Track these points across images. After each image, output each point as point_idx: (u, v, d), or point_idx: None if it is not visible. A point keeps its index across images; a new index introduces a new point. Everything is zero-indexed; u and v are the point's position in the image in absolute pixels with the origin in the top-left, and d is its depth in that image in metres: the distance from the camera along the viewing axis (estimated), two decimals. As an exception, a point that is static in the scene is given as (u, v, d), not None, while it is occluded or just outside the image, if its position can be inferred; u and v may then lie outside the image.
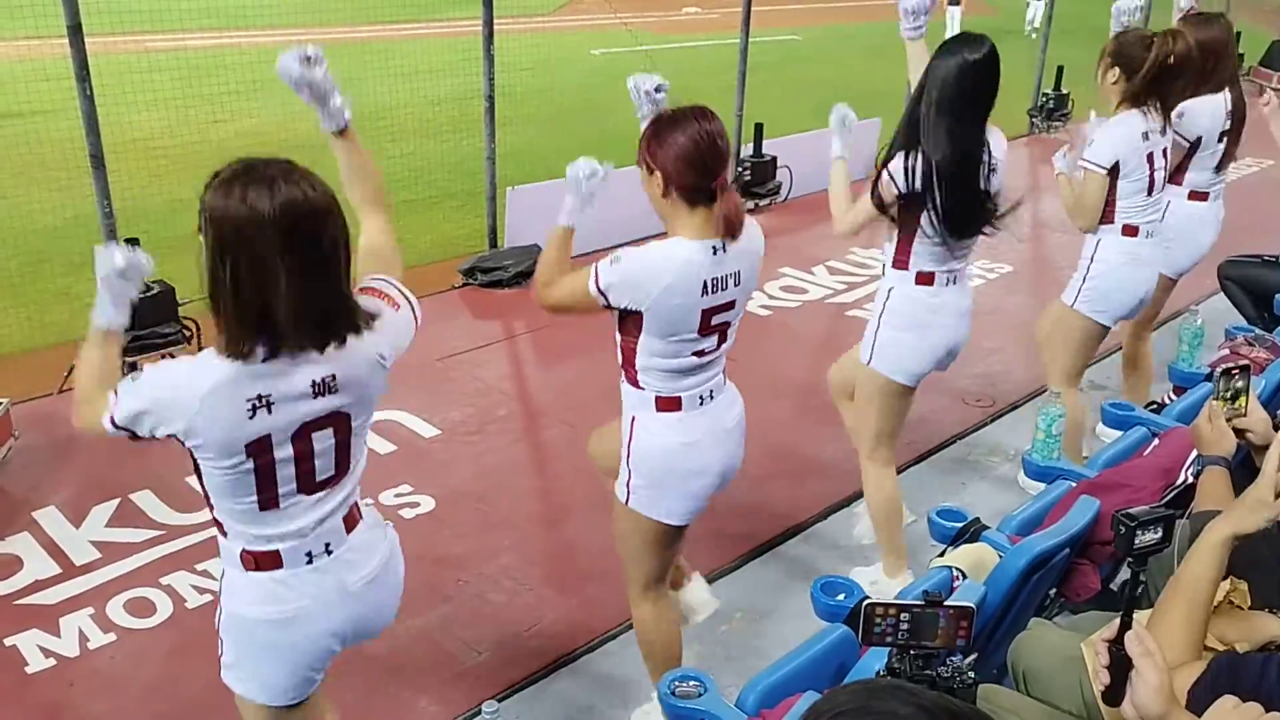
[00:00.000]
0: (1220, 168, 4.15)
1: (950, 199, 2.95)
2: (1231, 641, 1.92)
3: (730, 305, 2.44)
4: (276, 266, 1.75)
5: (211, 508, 1.96)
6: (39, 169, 6.44)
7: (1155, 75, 3.48)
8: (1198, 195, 4.18)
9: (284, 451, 1.88)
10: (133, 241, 2.20)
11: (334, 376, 1.89)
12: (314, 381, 1.86)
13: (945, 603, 1.77)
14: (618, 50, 8.48)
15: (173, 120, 6.98)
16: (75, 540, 3.70)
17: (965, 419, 4.71)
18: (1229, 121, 4.06)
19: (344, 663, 2.78)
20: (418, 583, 3.43)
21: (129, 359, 4.78)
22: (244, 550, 1.96)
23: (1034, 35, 10.21)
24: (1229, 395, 2.46)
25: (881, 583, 3.41)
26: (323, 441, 1.93)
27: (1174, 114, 3.76)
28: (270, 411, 1.83)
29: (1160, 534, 1.66)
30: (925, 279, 3.15)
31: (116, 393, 1.85)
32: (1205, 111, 3.97)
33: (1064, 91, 9.94)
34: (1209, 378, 3.16)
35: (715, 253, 2.37)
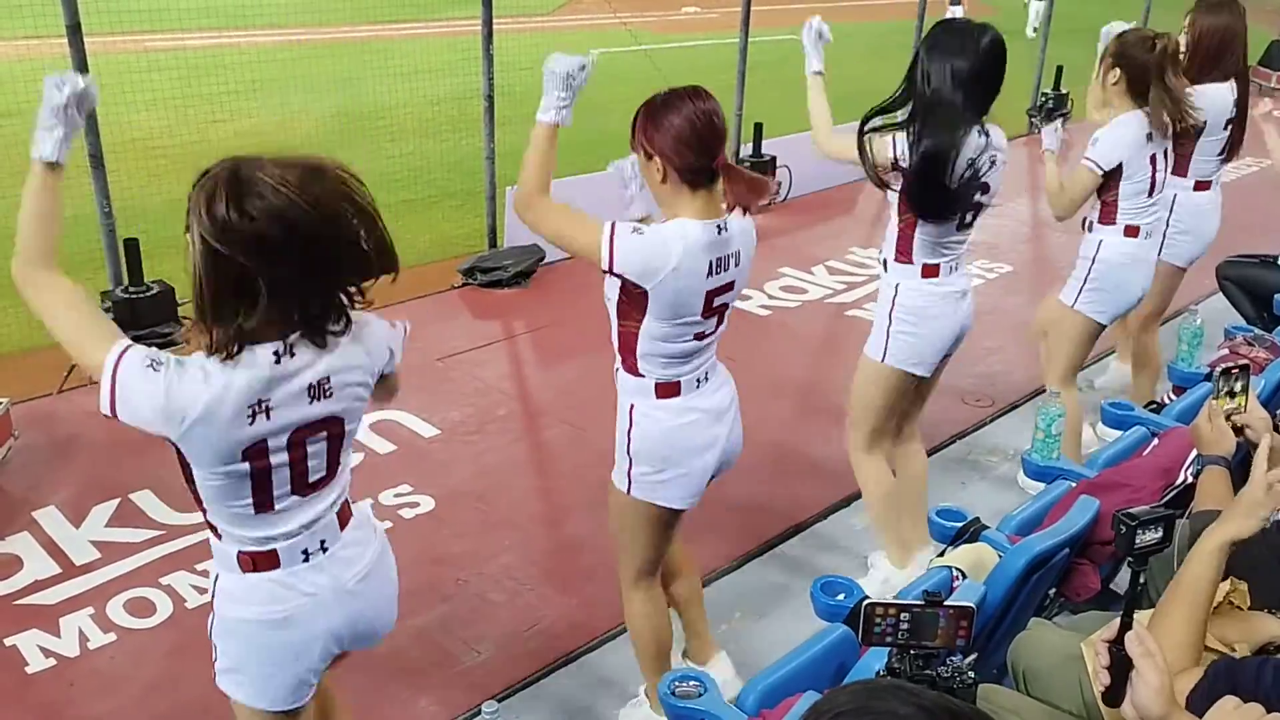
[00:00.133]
0: (1227, 156, 4.15)
1: (928, 187, 2.94)
2: (1231, 641, 1.92)
3: (730, 286, 2.44)
4: (266, 269, 1.72)
5: (204, 511, 1.94)
6: (38, 169, 6.42)
7: (1159, 77, 3.48)
8: (1202, 185, 4.18)
9: (279, 456, 1.87)
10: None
11: (329, 379, 1.88)
12: (310, 385, 1.86)
13: (945, 602, 1.77)
14: (617, 50, 8.46)
15: (172, 120, 6.97)
16: (75, 540, 3.70)
17: (965, 419, 4.70)
18: (1235, 110, 4.05)
19: (344, 662, 2.78)
20: (418, 583, 3.45)
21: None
22: (240, 552, 1.95)
23: (1035, 35, 10.22)
24: (1228, 395, 2.46)
25: (892, 579, 3.40)
26: (316, 444, 1.92)
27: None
28: (269, 416, 1.82)
29: (1161, 534, 1.66)
30: (931, 271, 3.14)
31: (117, 366, 1.76)
32: (1213, 97, 3.95)
33: (1064, 91, 9.94)
34: (1208, 377, 3.16)
35: (719, 232, 2.36)
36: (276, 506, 1.92)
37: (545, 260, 6.27)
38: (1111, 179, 3.60)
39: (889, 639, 1.78)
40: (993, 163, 3.03)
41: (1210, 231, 4.26)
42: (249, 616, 1.98)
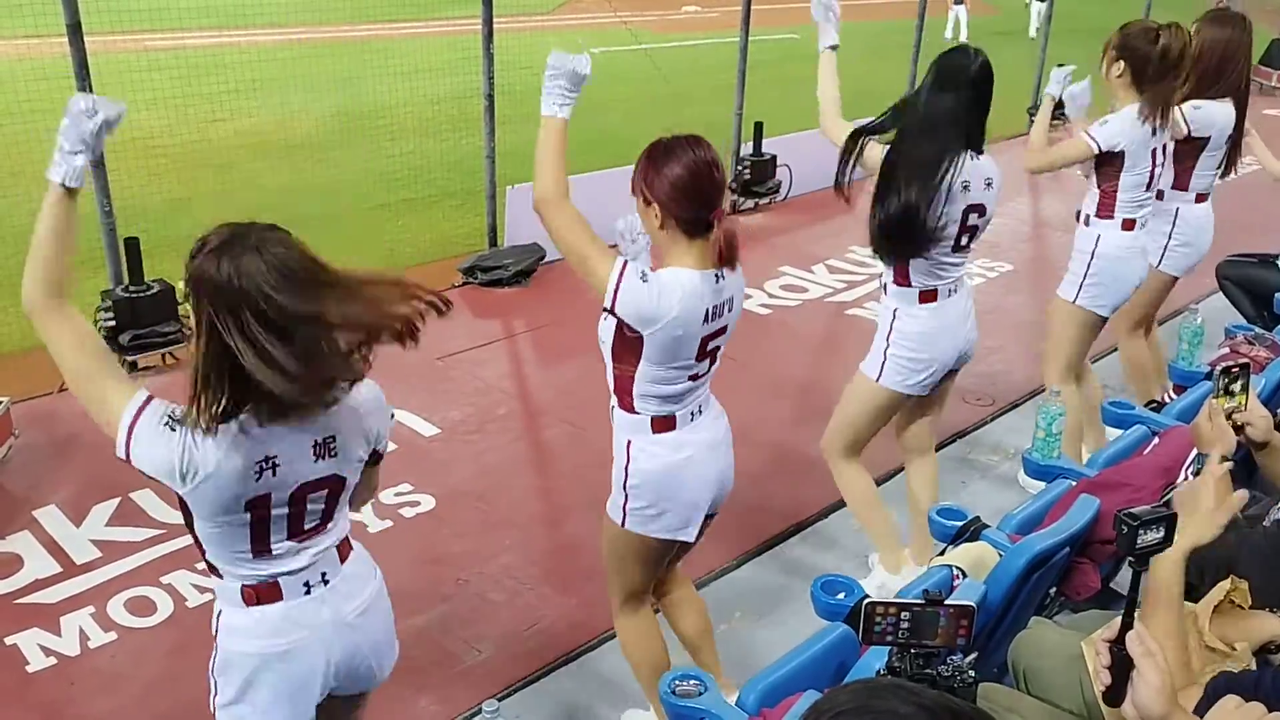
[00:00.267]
0: (1225, 170, 4.15)
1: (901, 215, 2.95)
2: (1232, 641, 1.92)
3: (724, 330, 2.46)
4: (271, 331, 1.73)
5: (203, 552, 1.97)
6: (38, 168, 6.41)
7: (1160, 71, 3.48)
8: (1202, 198, 4.19)
9: (280, 510, 1.91)
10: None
11: (334, 438, 1.92)
12: (315, 443, 1.89)
13: (945, 601, 1.77)
14: (617, 49, 8.46)
15: (172, 119, 6.97)
16: (76, 539, 3.70)
17: (965, 418, 4.70)
18: (1234, 127, 4.05)
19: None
20: (418, 582, 3.45)
21: (129, 357, 4.80)
22: (244, 586, 1.97)
23: (1038, 36, 10.22)
24: (1228, 393, 2.46)
25: (888, 585, 3.40)
26: (315, 504, 1.96)
27: (1190, 106, 3.78)
28: (275, 473, 1.85)
29: (1163, 534, 1.66)
30: (929, 296, 3.14)
31: (135, 422, 1.81)
32: (1220, 112, 3.95)
33: (1064, 91, 9.94)
34: (1209, 376, 3.16)
35: (716, 281, 2.37)
36: (274, 551, 1.95)
37: (545, 259, 6.27)
38: (1112, 168, 3.61)
39: (889, 638, 1.78)
40: (988, 183, 3.04)
41: (1207, 243, 4.28)
42: (251, 650, 1.99)
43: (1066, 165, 3.62)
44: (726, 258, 2.34)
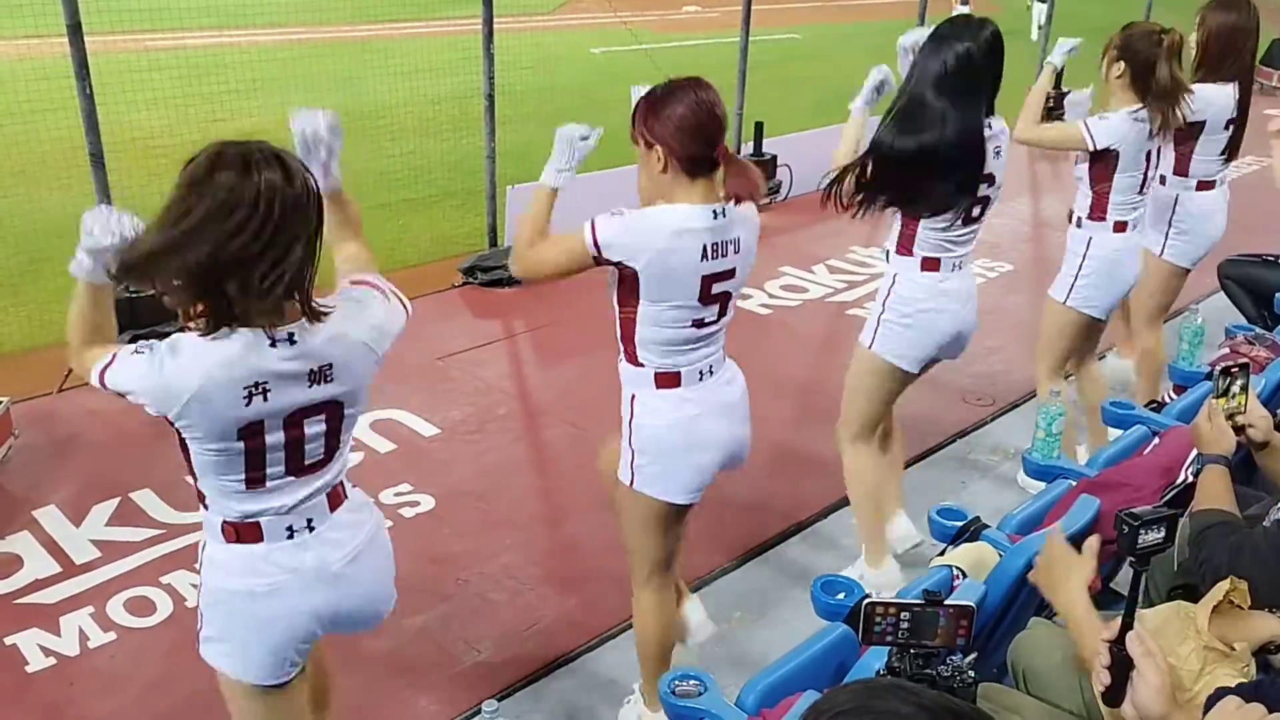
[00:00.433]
0: (1228, 156, 4.14)
1: (947, 180, 2.94)
2: (1231, 641, 1.92)
3: (731, 273, 2.42)
4: (259, 241, 1.75)
5: (195, 478, 1.97)
6: (39, 168, 6.43)
7: (1160, 74, 3.48)
8: (1205, 185, 4.17)
9: (275, 436, 1.89)
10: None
11: (330, 365, 1.91)
12: (311, 370, 1.88)
13: (945, 602, 1.77)
14: (618, 49, 8.47)
15: (172, 119, 6.96)
16: (75, 539, 3.70)
17: (965, 418, 4.71)
18: (1236, 110, 4.03)
19: (344, 662, 2.79)
20: (418, 582, 3.45)
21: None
22: (225, 522, 1.97)
23: (1038, 36, 10.23)
24: (1228, 394, 2.46)
25: (867, 576, 3.40)
26: (314, 427, 1.94)
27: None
28: (265, 398, 1.84)
29: (1163, 534, 1.66)
30: (931, 265, 3.14)
31: (115, 356, 1.85)
32: (1214, 97, 3.93)
33: (1064, 90, 9.94)
34: (1209, 376, 3.16)
35: (716, 216, 2.35)
36: (268, 484, 1.94)
37: (545, 259, 6.25)
38: (1105, 169, 3.60)
39: (889, 638, 1.78)
40: (997, 152, 3.04)
41: (1214, 232, 4.24)
42: (233, 587, 1.99)
43: (1055, 148, 3.62)
44: (733, 192, 2.34)
